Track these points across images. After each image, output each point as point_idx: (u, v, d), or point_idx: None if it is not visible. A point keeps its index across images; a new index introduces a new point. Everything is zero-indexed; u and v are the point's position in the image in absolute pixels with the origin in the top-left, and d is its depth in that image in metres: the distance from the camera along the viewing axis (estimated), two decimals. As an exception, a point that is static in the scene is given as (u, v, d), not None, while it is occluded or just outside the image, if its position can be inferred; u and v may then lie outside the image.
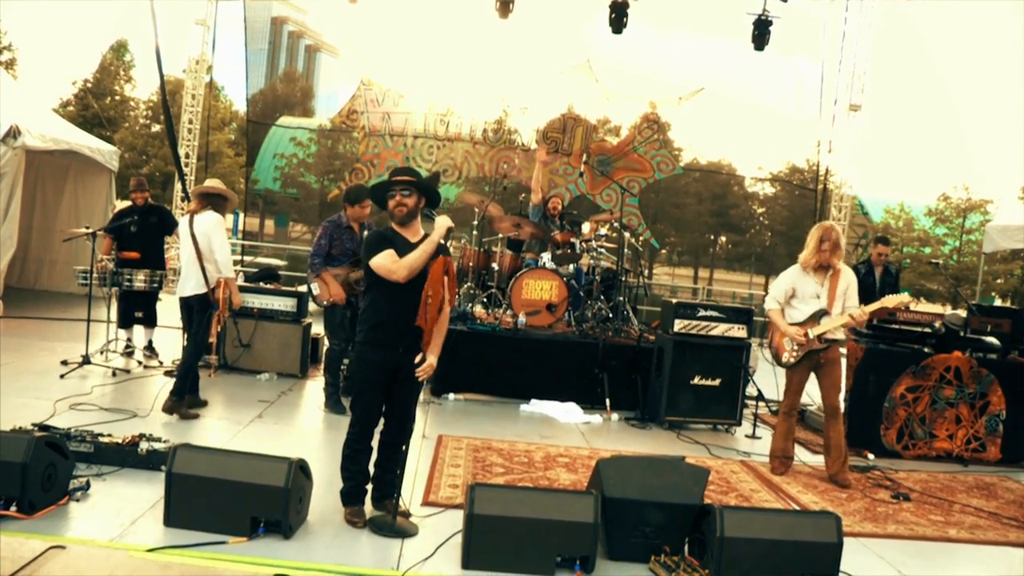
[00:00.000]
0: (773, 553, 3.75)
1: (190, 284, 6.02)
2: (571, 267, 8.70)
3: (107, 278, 7.33)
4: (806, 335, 5.67)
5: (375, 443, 4.26)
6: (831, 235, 5.67)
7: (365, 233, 6.77)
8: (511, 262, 8.41)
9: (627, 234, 8.79)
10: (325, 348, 6.82)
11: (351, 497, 4.23)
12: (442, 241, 4.12)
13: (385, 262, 3.99)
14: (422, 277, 4.02)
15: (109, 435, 4.74)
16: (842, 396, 6.00)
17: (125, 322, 7.96)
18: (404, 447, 4.22)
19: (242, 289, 7.67)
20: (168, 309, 8.70)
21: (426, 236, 4.13)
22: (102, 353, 7.41)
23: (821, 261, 5.68)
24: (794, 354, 5.78)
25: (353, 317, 6.66)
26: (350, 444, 4.21)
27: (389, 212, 4.19)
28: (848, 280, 5.76)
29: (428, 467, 5.25)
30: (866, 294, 6.72)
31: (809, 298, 5.75)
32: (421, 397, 7.14)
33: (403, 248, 4.05)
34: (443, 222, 4.12)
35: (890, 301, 5.65)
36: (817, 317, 5.69)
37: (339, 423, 6.24)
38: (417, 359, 4.07)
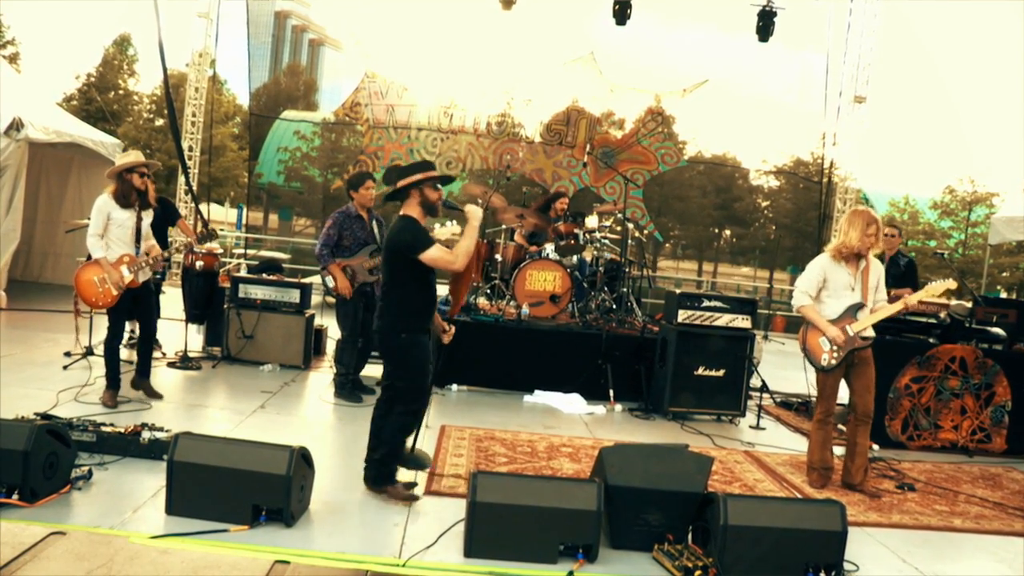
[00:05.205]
0: (777, 541, 3.72)
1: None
2: (575, 258, 8.68)
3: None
4: (845, 332, 5.20)
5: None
6: (877, 219, 5.20)
7: (375, 224, 6.77)
8: (515, 253, 8.38)
9: (631, 226, 8.75)
10: (338, 338, 6.83)
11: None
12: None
13: (444, 255, 4.24)
14: None
15: (111, 424, 4.74)
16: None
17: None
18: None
19: (245, 281, 7.70)
20: (171, 300, 8.71)
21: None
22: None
23: (866, 247, 5.20)
24: (835, 355, 5.24)
25: (367, 309, 6.65)
26: (409, 429, 4.48)
27: (429, 203, 4.39)
28: (878, 272, 5.37)
29: (431, 457, 5.22)
30: None
31: (842, 290, 5.28)
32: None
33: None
34: (478, 211, 4.43)
35: (936, 289, 5.26)
36: (853, 312, 5.25)
37: (342, 413, 6.25)
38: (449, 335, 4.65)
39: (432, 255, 4.21)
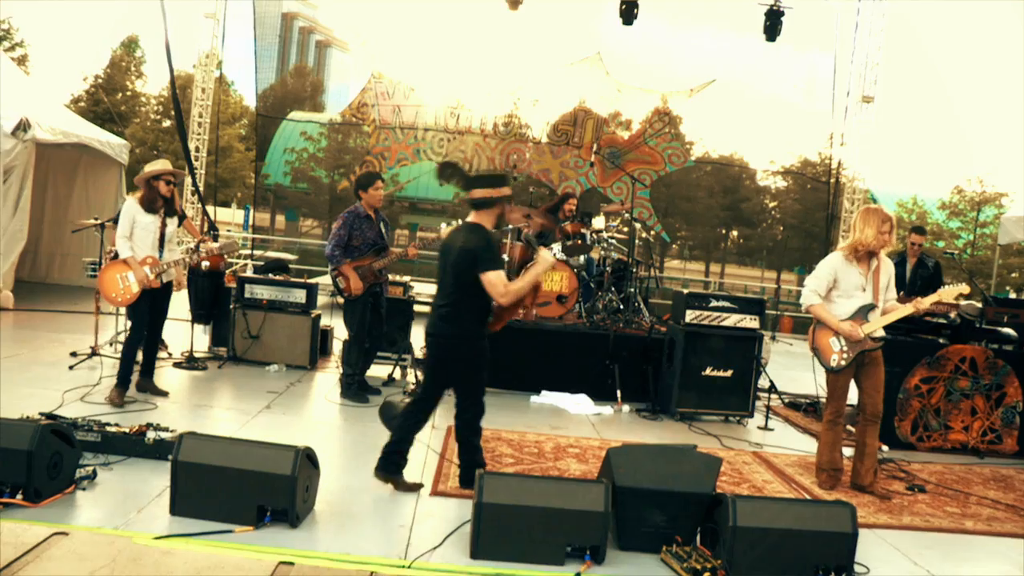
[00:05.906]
0: (786, 543, 3.68)
1: None
2: (582, 258, 8.64)
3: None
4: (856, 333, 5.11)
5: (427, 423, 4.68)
6: (891, 217, 5.08)
7: (382, 224, 6.75)
8: (521, 252, 8.35)
9: (638, 226, 8.72)
10: (345, 339, 6.81)
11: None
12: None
13: (499, 285, 4.23)
14: None
15: (116, 424, 4.72)
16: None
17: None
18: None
19: (251, 281, 7.68)
20: (177, 300, 8.69)
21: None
22: (111, 345, 7.39)
23: (880, 245, 5.08)
24: (844, 356, 5.17)
25: (375, 308, 6.64)
26: (479, 425, 4.56)
27: (504, 218, 4.55)
28: (890, 272, 5.28)
29: (437, 458, 5.20)
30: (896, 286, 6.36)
31: (853, 290, 5.17)
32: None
33: None
34: (550, 259, 4.42)
35: (947, 294, 5.17)
36: (864, 312, 5.15)
37: (347, 413, 6.23)
38: None
39: (490, 278, 4.21)
